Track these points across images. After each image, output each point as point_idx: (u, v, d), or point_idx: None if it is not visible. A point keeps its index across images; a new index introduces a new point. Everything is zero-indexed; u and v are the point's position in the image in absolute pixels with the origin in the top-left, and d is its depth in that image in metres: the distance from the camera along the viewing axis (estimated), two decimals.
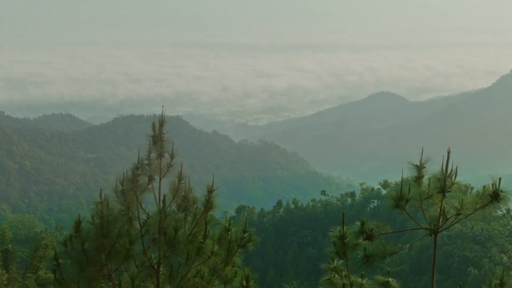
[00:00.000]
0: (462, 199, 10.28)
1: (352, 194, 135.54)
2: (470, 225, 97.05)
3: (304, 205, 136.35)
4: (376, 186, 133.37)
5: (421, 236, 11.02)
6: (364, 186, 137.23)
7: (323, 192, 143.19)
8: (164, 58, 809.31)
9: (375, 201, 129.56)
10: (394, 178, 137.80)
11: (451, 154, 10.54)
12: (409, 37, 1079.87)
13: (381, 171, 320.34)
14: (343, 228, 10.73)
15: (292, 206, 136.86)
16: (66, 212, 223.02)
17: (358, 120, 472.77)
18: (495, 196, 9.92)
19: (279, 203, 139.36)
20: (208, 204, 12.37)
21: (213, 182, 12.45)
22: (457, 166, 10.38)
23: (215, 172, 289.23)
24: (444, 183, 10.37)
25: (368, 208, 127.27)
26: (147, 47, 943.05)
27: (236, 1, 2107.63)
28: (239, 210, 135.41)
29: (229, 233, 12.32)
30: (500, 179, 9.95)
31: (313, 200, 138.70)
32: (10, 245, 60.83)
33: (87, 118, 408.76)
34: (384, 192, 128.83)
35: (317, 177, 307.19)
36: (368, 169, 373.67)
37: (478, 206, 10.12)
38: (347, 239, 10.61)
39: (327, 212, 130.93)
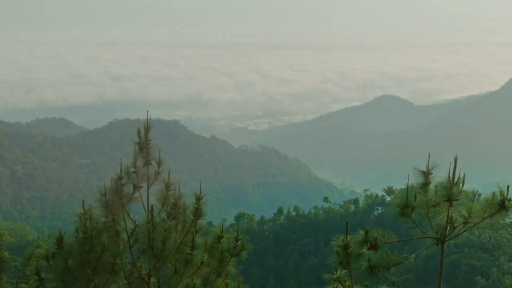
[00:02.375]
0: (470, 207, 10.27)
1: (356, 201, 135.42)
2: (478, 233, 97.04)
3: (306, 213, 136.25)
4: (380, 193, 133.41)
5: (428, 245, 11.01)
6: (368, 193, 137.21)
7: (326, 199, 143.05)
8: (160, 60, 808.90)
9: (379, 208, 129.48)
10: (399, 185, 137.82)
11: (458, 159, 10.55)
12: (412, 37, 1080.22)
13: (386, 178, 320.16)
14: (346, 237, 10.73)
15: (294, 213, 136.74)
16: (59, 219, 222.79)
17: (362, 125, 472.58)
18: (503, 204, 9.94)
19: (280, 211, 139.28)
20: (197, 212, 12.25)
21: (200, 189, 12.28)
22: (464, 174, 10.38)
23: (213, 178, 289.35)
24: (451, 191, 10.37)
25: (372, 216, 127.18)
26: (143, 48, 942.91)
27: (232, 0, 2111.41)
28: (238, 217, 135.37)
29: (221, 241, 12.24)
30: (508, 187, 9.96)
31: (315, 207, 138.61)
32: (6, 253, 60.75)
33: (81, 123, 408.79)
34: (388, 199, 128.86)
35: (319, 183, 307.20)
36: (372, 175, 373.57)
37: (486, 215, 10.12)
38: (351, 249, 10.61)
39: (329, 219, 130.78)
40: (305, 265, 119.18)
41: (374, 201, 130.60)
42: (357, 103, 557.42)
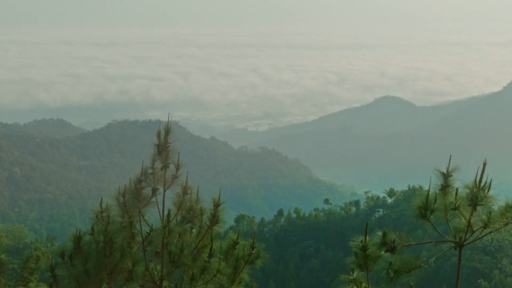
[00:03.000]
0: (490, 212, 10.23)
1: (357, 203, 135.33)
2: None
3: (307, 215, 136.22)
4: (382, 195, 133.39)
5: (447, 249, 11.02)
6: (369, 195, 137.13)
7: (326, 201, 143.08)
8: (159, 60, 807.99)
9: (381, 210, 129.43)
10: (400, 187, 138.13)
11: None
12: (413, 38, 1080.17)
13: (387, 179, 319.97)
14: (365, 239, 10.69)
15: (294, 215, 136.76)
16: (57, 221, 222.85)
17: (363, 126, 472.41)
18: None
19: (280, 213, 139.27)
20: (214, 219, 12.31)
21: (220, 195, 12.40)
22: (491, 179, 10.32)
23: (213, 180, 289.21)
24: (477, 195, 10.29)
25: (373, 218, 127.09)
26: (142, 48, 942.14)
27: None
28: (238, 219, 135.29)
29: (237, 247, 12.26)
30: None
31: (315, 209, 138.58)
32: (3, 255, 60.77)
33: (79, 124, 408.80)
34: (390, 201, 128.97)
35: (320, 185, 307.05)
36: (373, 177, 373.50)
37: (509, 220, 10.07)
38: (369, 250, 10.60)
39: (330, 222, 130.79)
40: (305, 267, 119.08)
41: (375, 203, 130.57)
42: (358, 104, 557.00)
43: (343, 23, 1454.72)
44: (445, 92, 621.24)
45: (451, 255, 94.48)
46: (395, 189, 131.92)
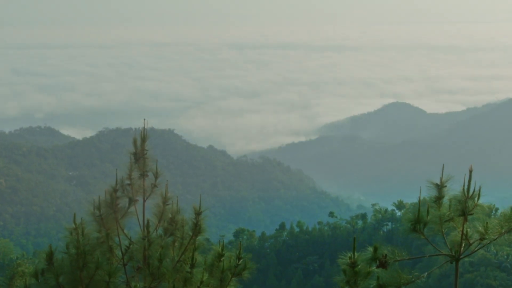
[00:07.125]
0: (487, 223, 10.17)
1: (364, 216, 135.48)
2: (495, 251, 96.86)
3: (310, 229, 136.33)
4: (390, 207, 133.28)
5: (441, 263, 10.95)
6: (377, 207, 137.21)
7: (331, 214, 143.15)
8: (152, 66, 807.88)
9: (389, 223, 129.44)
10: (410, 199, 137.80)
11: (474, 172, 10.49)
12: (423, 41, 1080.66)
13: (396, 191, 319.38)
14: (354, 254, 10.67)
15: (297, 229, 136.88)
16: (45, 236, 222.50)
17: (370, 134, 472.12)
18: None
19: (282, 226, 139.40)
20: (196, 228, 12.18)
21: (200, 203, 12.20)
22: (480, 187, 10.27)
23: (211, 191, 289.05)
24: (465, 205, 10.27)
25: (381, 232, 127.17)
26: (133, 52, 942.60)
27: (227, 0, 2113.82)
28: (238, 234, 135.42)
29: (222, 259, 12.19)
30: None
31: (320, 223, 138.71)
32: None
33: (68, 132, 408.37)
34: (399, 214, 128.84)
35: (324, 197, 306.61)
36: (381, 188, 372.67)
37: (504, 230, 10.04)
38: (359, 267, 10.55)
39: (335, 236, 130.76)
40: (309, 284, 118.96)
41: (383, 216, 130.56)
42: (365, 111, 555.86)
43: (345, 24, 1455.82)
44: (457, 98, 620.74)
45: (464, 272, 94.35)
46: (404, 201, 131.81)
